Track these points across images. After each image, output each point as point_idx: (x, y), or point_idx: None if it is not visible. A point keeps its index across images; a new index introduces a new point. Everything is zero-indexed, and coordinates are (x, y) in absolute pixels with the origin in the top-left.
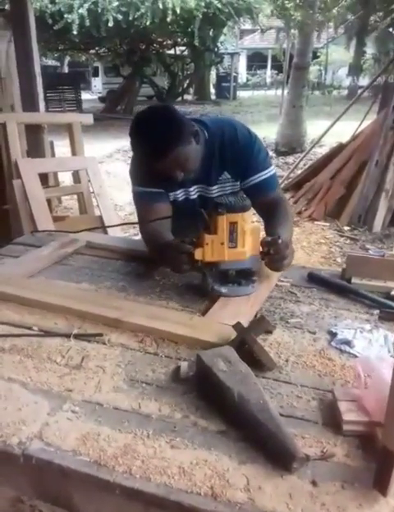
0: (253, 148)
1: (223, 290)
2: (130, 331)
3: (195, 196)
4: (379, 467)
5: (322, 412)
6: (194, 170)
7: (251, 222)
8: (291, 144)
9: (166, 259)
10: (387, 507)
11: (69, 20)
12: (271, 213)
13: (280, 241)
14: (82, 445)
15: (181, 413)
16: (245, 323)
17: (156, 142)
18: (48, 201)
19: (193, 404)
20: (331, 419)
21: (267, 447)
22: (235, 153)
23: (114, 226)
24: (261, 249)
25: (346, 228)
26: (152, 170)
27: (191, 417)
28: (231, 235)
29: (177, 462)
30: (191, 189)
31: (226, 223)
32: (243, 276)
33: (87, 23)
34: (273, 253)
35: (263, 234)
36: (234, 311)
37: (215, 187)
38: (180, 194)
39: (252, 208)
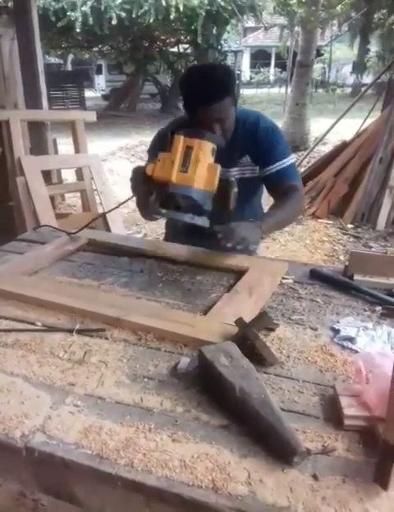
0: (272, 138)
1: (163, 210)
2: (130, 329)
3: None
4: (380, 461)
5: (323, 407)
6: (228, 131)
7: (212, 160)
8: (295, 142)
9: (131, 186)
10: (387, 501)
11: (72, 18)
12: (279, 199)
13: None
14: (84, 439)
15: (183, 407)
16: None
17: (211, 85)
18: (51, 198)
19: (195, 399)
20: (332, 414)
21: (268, 441)
22: (255, 139)
23: (111, 210)
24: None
25: (350, 226)
26: (193, 116)
27: (193, 411)
28: (184, 158)
29: (179, 455)
30: None
31: (181, 145)
32: (193, 211)
33: (90, 21)
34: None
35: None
36: (236, 310)
37: (234, 169)
38: None
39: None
